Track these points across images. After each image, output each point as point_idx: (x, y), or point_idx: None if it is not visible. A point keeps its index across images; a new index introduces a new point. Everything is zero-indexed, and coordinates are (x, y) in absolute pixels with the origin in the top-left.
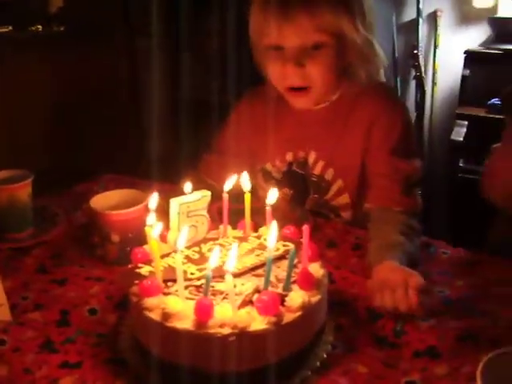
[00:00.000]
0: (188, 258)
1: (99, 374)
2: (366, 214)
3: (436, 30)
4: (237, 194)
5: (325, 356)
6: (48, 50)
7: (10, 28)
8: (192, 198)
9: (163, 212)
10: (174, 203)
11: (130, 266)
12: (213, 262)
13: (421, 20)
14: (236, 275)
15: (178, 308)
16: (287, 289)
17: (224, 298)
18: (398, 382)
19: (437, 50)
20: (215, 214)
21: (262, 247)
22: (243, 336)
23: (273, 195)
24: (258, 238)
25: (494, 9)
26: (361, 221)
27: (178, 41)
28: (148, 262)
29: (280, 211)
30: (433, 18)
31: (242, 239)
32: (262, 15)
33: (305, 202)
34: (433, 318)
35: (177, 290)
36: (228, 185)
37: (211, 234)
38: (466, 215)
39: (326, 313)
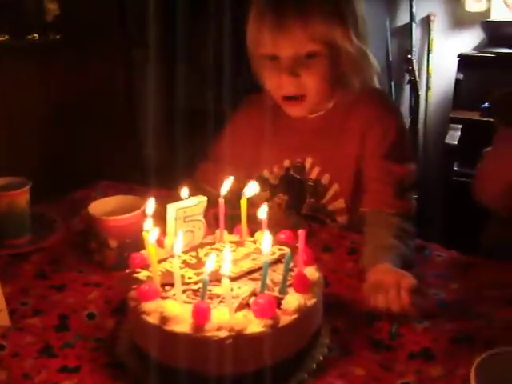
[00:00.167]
0: (185, 263)
1: (98, 378)
2: (360, 218)
3: (429, 34)
4: (233, 200)
5: (321, 358)
6: (44, 58)
7: (7, 37)
8: (189, 204)
9: (160, 217)
10: (171, 208)
11: (128, 270)
12: (209, 266)
13: (414, 24)
14: (233, 279)
15: (175, 312)
16: (283, 292)
17: (221, 301)
18: None
19: (430, 54)
20: (211, 220)
21: (258, 252)
22: (240, 339)
23: (264, 208)
24: (254, 242)
25: (487, 12)
26: (356, 225)
27: (174, 51)
28: (146, 266)
29: (274, 218)
30: (426, 22)
31: (239, 244)
32: (257, 25)
33: (301, 206)
34: (428, 320)
35: (174, 294)
36: (224, 189)
37: (208, 239)
38: (460, 219)
39: (321, 316)
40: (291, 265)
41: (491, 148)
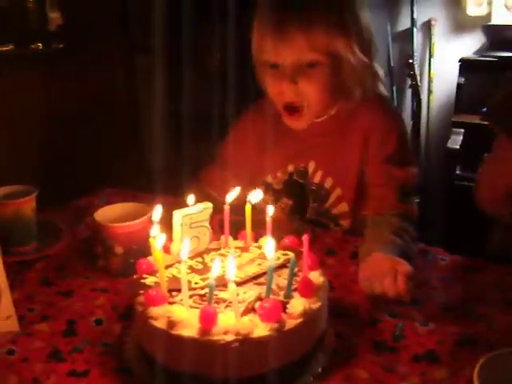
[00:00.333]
0: (192, 268)
1: (106, 382)
2: (362, 221)
3: (430, 38)
4: (237, 206)
5: (326, 362)
6: (48, 67)
7: (11, 46)
8: (195, 210)
9: (166, 224)
10: (177, 215)
11: (135, 276)
12: (215, 271)
13: (415, 29)
14: (238, 284)
15: (182, 316)
16: (288, 296)
17: (227, 305)
18: None
19: (432, 59)
20: (216, 226)
21: (263, 257)
22: (246, 342)
23: (271, 209)
24: (259, 248)
25: (488, 16)
26: (359, 229)
27: (178, 55)
28: (153, 272)
29: (277, 223)
30: (427, 26)
31: (244, 249)
32: (260, 32)
33: (305, 211)
34: (432, 323)
35: (181, 299)
36: (230, 197)
37: (213, 245)
38: (463, 223)
39: (326, 319)
40: (296, 269)
41: (491, 153)
